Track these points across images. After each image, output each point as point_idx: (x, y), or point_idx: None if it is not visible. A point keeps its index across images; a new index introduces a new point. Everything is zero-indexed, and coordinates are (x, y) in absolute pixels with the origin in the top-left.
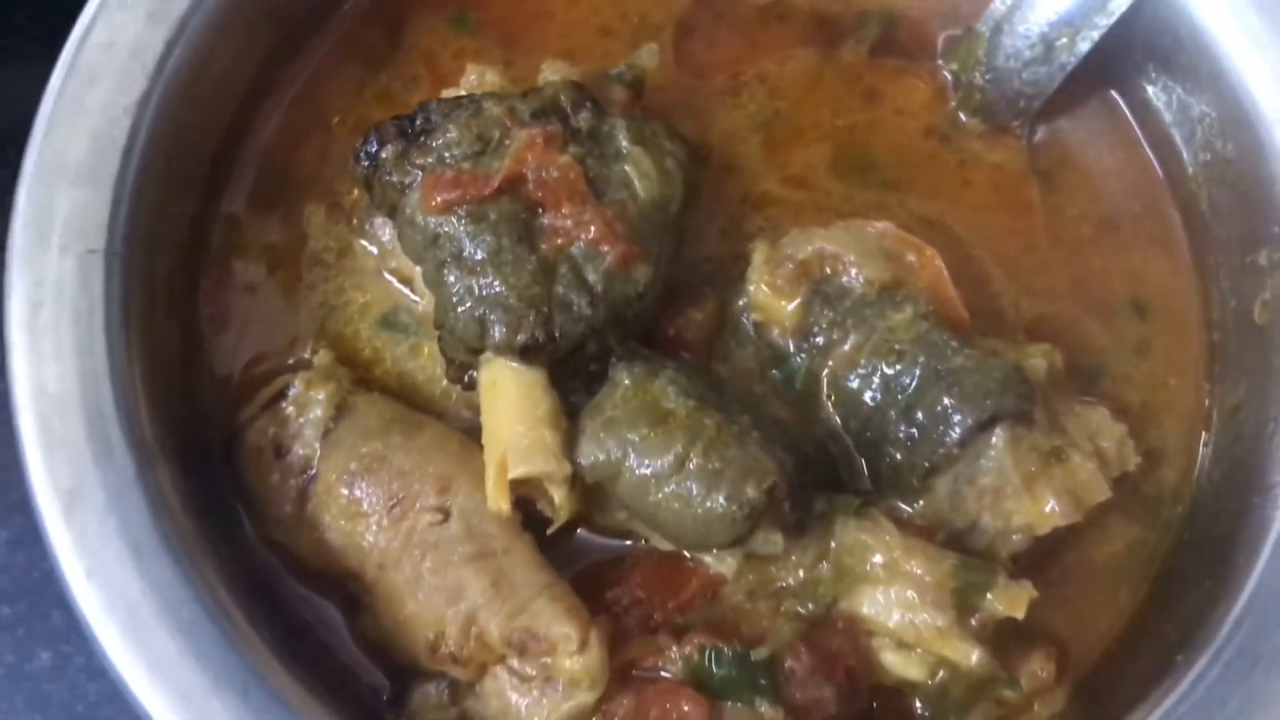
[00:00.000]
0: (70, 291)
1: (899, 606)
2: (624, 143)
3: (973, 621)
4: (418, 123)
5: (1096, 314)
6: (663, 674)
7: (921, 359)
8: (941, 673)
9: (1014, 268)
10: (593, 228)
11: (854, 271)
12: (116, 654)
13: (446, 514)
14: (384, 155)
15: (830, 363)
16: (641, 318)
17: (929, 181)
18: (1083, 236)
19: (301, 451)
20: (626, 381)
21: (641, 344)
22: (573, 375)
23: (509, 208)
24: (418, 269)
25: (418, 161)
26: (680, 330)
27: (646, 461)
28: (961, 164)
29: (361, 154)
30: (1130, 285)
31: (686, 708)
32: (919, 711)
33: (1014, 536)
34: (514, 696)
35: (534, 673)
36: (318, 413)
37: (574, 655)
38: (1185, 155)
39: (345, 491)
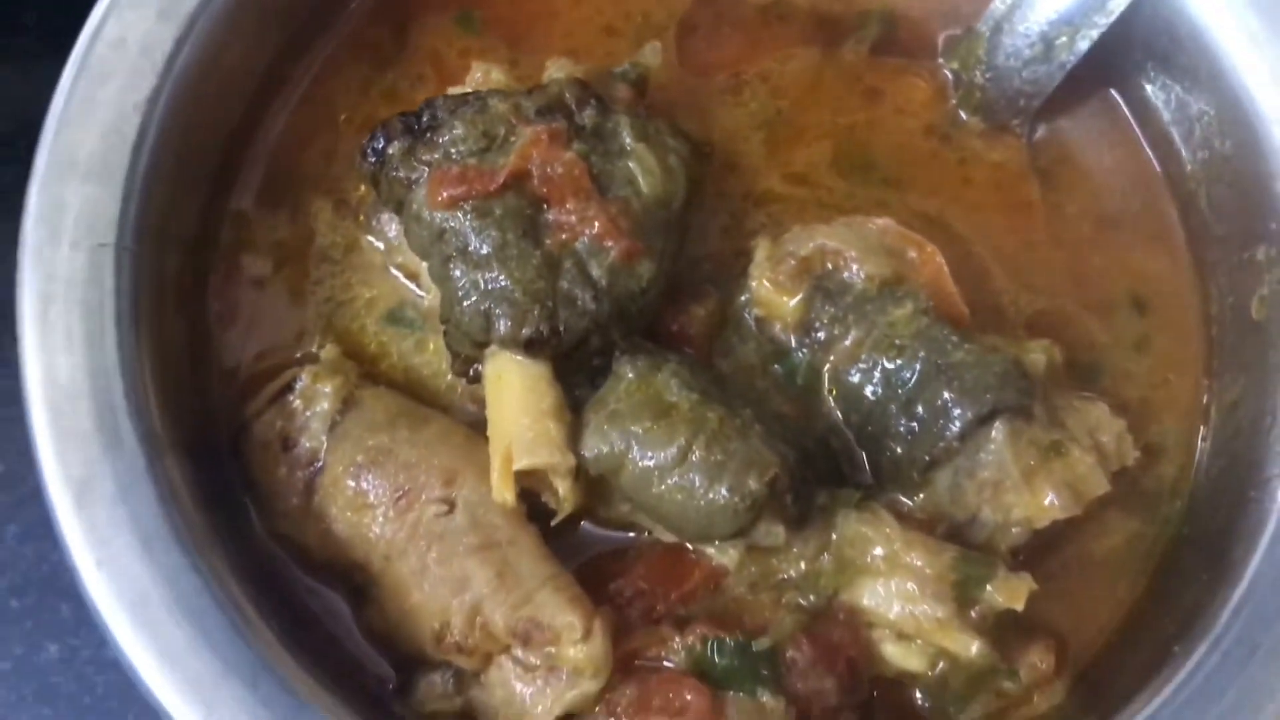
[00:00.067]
0: (81, 286)
1: (899, 598)
2: (628, 140)
3: (972, 613)
4: (424, 119)
5: (1096, 310)
6: (665, 664)
7: (922, 354)
8: (941, 664)
9: (1014, 265)
10: (597, 223)
11: (855, 267)
12: (127, 642)
13: (452, 505)
14: (391, 151)
15: (832, 358)
16: (645, 313)
17: (930, 179)
18: (1082, 234)
19: (308, 444)
20: (630, 375)
21: (645, 339)
22: (577, 370)
23: (514, 203)
24: (424, 264)
25: (424, 157)
26: (683, 326)
27: (650, 454)
28: (962, 162)
29: (368, 150)
30: (1129, 282)
31: (689, 697)
32: (919, 703)
33: (1013, 530)
34: (518, 686)
35: (538, 662)
36: (324, 406)
37: (578, 644)
38: (1184, 153)
39: (352, 483)
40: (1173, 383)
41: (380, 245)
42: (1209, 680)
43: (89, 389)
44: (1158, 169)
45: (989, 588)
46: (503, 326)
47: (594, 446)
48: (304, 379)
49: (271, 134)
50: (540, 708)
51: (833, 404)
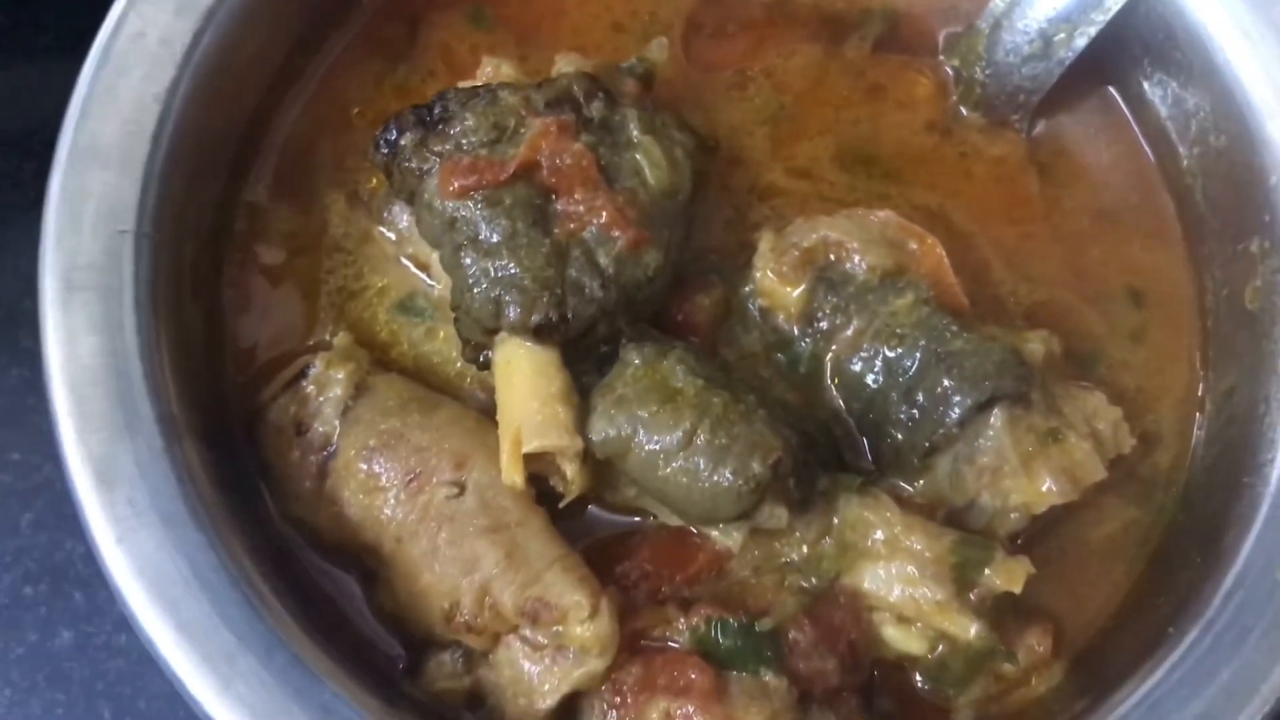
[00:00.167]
0: (101, 271)
1: (899, 581)
2: (635, 132)
3: (971, 596)
4: (436, 111)
5: (1094, 302)
6: (670, 644)
7: (922, 343)
8: (941, 647)
9: (1013, 257)
10: (604, 213)
11: (857, 258)
12: (145, 617)
13: (462, 488)
14: (403, 143)
15: (834, 347)
16: (651, 301)
17: (930, 173)
18: (1080, 227)
19: (321, 429)
20: (636, 361)
21: (650, 327)
22: (584, 357)
23: (524, 193)
24: (434, 255)
25: (436, 149)
26: (688, 315)
27: (655, 437)
28: (962, 157)
29: (381, 141)
30: (1126, 274)
31: (693, 676)
32: (919, 685)
33: (1012, 515)
34: (526, 665)
35: (546, 641)
36: (337, 391)
37: (585, 623)
38: (1180, 148)
39: (364, 467)
40: (1168, 372)
41: (392, 236)
42: (1202, 662)
43: (109, 372)
44: (1154, 164)
45: (987, 571)
46: (512, 313)
47: (601, 430)
48: (317, 365)
49: (285, 127)
50: (548, 686)
51: (835, 392)
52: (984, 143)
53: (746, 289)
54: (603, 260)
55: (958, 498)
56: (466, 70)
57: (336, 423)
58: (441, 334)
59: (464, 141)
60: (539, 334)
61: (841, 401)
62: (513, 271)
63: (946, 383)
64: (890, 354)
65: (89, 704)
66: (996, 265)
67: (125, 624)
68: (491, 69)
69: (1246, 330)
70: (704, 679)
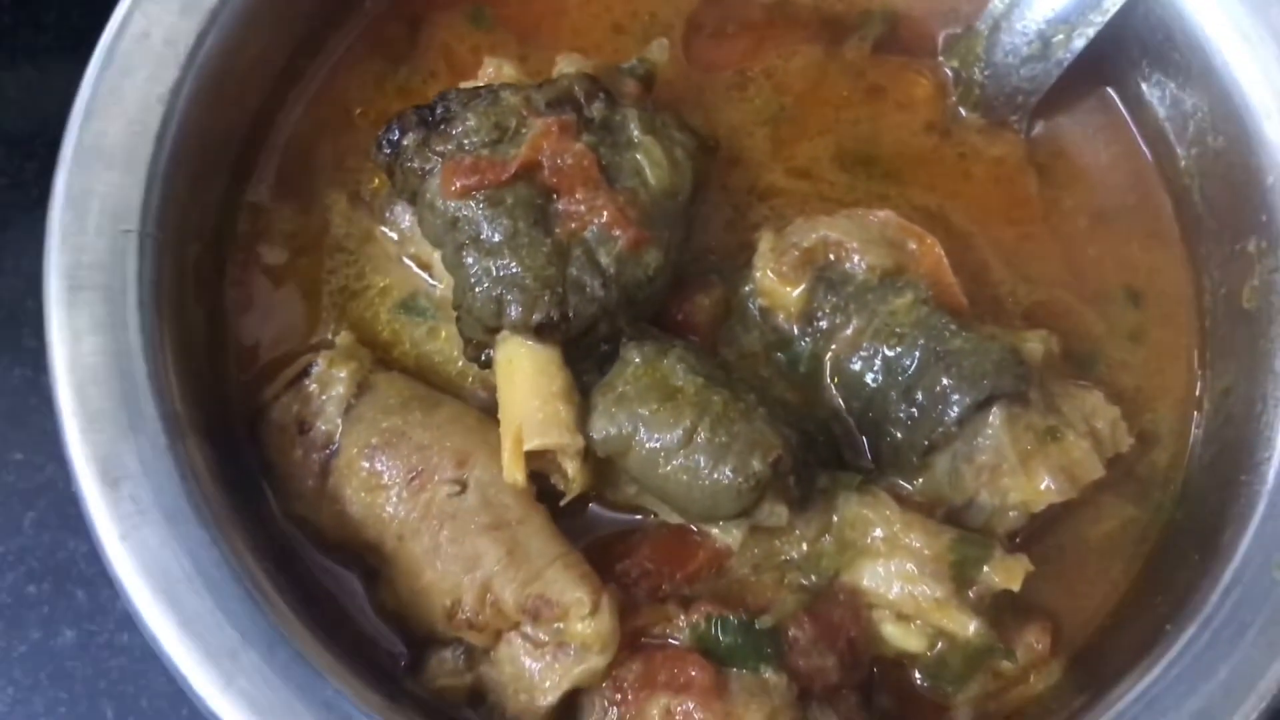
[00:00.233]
0: (106, 269)
1: (899, 579)
2: (635, 132)
3: (970, 594)
4: (438, 112)
5: (1092, 302)
6: (671, 641)
7: (921, 342)
8: (940, 644)
9: (1012, 257)
10: (605, 213)
11: (857, 258)
12: (148, 612)
13: (464, 486)
14: (405, 143)
15: (833, 346)
16: (652, 300)
17: (930, 174)
18: (1079, 227)
19: (324, 427)
20: (637, 360)
21: (651, 327)
22: (585, 356)
23: (525, 193)
24: (436, 254)
25: (438, 148)
26: (688, 314)
27: (656, 435)
28: (961, 157)
29: (384, 142)
30: (1125, 274)
31: (694, 673)
32: (919, 683)
33: (1010, 513)
34: (527, 661)
35: (547, 638)
36: (340, 390)
37: (586, 619)
38: (1178, 149)
39: (366, 465)
40: (1167, 372)
41: (394, 236)
42: (1200, 659)
43: (113, 370)
44: (1152, 164)
45: (986, 568)
46: (514, 312)
47: (602, 428)
48: (319, 364)
49: (288, 127)
50: (549, 683)
51: (834, 391)
52: (983, 143)
53: (746, 288)
54: (604, 259)
55: (957, 496)
56: (467, 71)
57: (339, 421)
58: (443, 333)
59: (466, 141)
60: (540, 332)
61: (841, 400)
62: (514, 270)
63: (945, 381)
64: (889, 353)
65: (91, 702)
66: (995, 265)
67: (128, 622)
68: (493, 69)
69: (1244, 329)
70: (704, 676)
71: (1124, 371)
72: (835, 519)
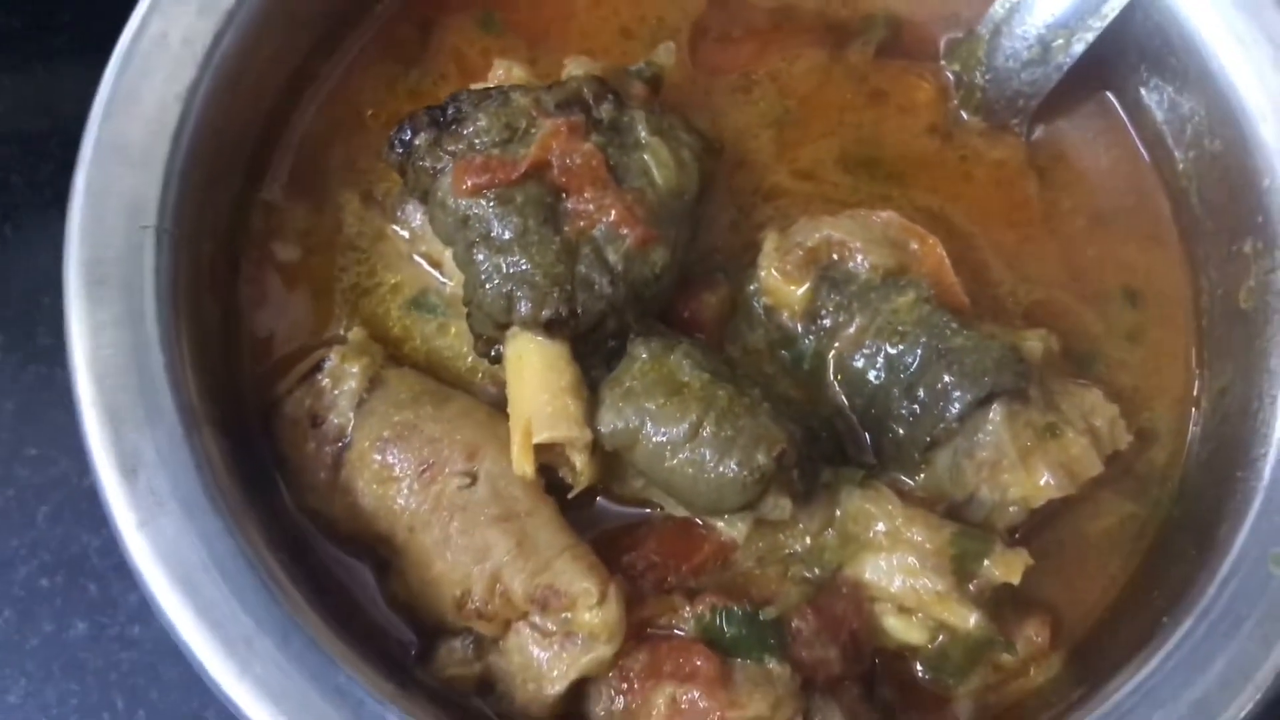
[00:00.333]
0: (124, 264)
1: (900, 572)
2: (643, 133)
3: (971, 587)
4: (449, 112)
5: (1091, 302)
6: (676, 632)
7: (923, 339)
8: (941, 637)
9: (1012, 258)
10: (613, 211)
11: (860, 258)
12: (165, 599)
13: (474, 478)
14: (417, 143)
15: (837, 344)
16: (659, 298)
17: (932, 176)
18: (1078, 229)
19: (336, 421)
20: (644, 355)
21: (658, 323)
22: (593, 351)
23: (535, 191)
24: (447, 253)
25: (449, 148)
26: (694, 312)
27: (662, 429)
28: (963, 159)
29: (396, 141)
30: (1123, 275)
31: (699, 663)
32: (920, 675)
33: (1010, 508)
34: (535, 651)
35: (555, 628)
36: (352, 385)
37: (593, 609)
38: (1176, 152)
39: (378, 457)
40: (1164, 371)
41: (405, 234)
42: (1197, 651)
43: (131, 363)
44: (1150, 167)
45: (987, 562)
46: (524, 308)
47: (609, 422)
48: (332, 359)
49: (301, 127)
50: (556, 672)
51: (838, 388)
52: (984, 146)
53: (751, 287)
54: (611, 257)
55: (958, 491)
56: (477, 73)
57: (351, 415)
58: (453, 330)
59: (477, 141)
60: (549, 328)
61: (844, 397)
62: (524, 268)
63: (947, 379)
64: (892, 351)
65: (103, 694)
66: (996, 265)
67: (139, 616)
68: (503, 71)
69: (1240, 329)
70: (709, 666)
71: (1122, 370)
72: (838, 513)
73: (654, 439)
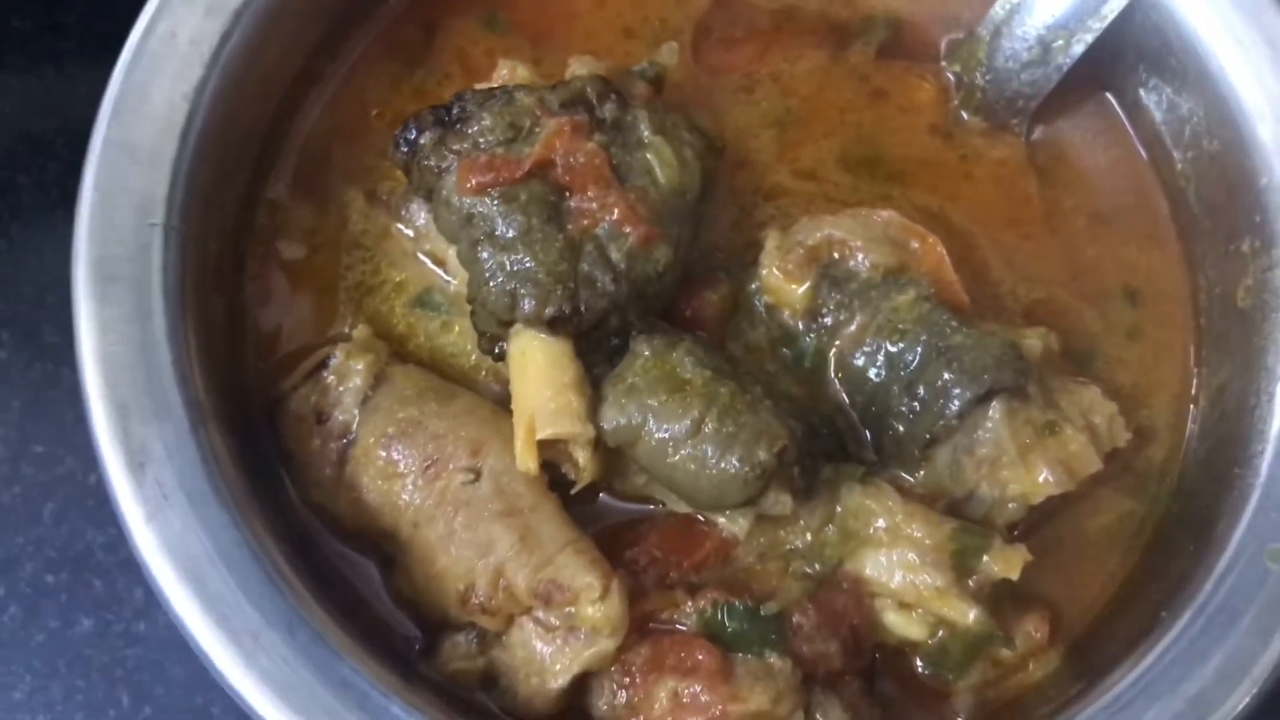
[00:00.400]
0: (132, 261)
1: (900, 568)
2: (646, 133)
3: (970, 583)
4: (454, 111)
5: (1090, 300)
6: (678, 626)
7: (923, 337)
8: (941, 632)
9: (1012, 256)
10: (616, 210)
11: (861, 256)
12: (172, 592)
13: (478, 474)
14: (422, 141)
15: (837, 342)
16: (661, 296)
17: (932, 175)
18: (1078, 228)
19: (341, 417)
20: (646, 352)
21: (660, 321)
22: (596, 349)
23: (538, 190)
24: (451, 251)
25: (454, 147)
26: (696, 310)
27: (665, 426)
28: (963, 159)
29: (401, 140)
30: (1122, 274)
31: (700, 657)
32: (920, 670)
33: (1010, 505)
34: (539, 645)
35: (558, 623)
36: (357, 381)
37: (596, 603)
38: (1174, 152)
39: (383, 454)
40: (1163, 368)
41: (410, 232)
42: (1195, 645)
43: (138, 358)
44: (1149, 167)
45: (986, 558)
46: (527, 305)
47: (612, 419)
48: (337, 356)
49: (307, 127)
50: (559, 666)
51: (838, 385)
52: (984, 146)
53: (753, 286)
54: (614, 255)
55: (957, 488)
56: (481, 73)
57: (356, 411)
58: (457, 327)
59: (481, 140)
60: (553, 326)
61: (845, 395)
62: (528, 265)
63: (946, 376)
64: (892, 348)
65: (108, 690)
66: (996, 264)
67: (144, 612)
68: (507, 71)
69: (1238, 327)
70: (711, 660)
71: (1121, 368)
72: (839, 509)
73: (656, 435)
